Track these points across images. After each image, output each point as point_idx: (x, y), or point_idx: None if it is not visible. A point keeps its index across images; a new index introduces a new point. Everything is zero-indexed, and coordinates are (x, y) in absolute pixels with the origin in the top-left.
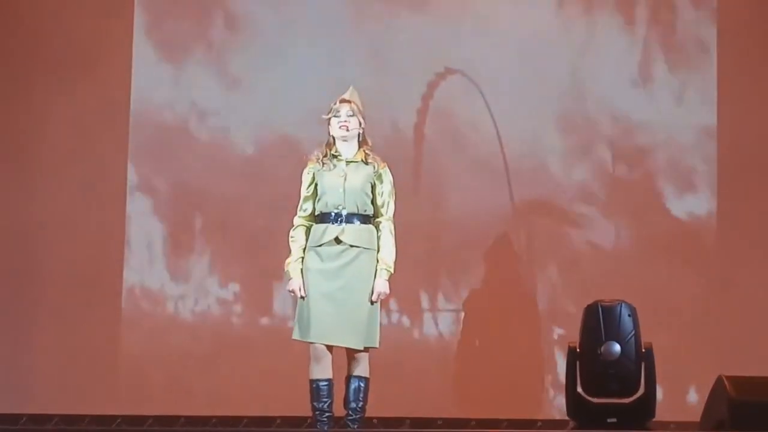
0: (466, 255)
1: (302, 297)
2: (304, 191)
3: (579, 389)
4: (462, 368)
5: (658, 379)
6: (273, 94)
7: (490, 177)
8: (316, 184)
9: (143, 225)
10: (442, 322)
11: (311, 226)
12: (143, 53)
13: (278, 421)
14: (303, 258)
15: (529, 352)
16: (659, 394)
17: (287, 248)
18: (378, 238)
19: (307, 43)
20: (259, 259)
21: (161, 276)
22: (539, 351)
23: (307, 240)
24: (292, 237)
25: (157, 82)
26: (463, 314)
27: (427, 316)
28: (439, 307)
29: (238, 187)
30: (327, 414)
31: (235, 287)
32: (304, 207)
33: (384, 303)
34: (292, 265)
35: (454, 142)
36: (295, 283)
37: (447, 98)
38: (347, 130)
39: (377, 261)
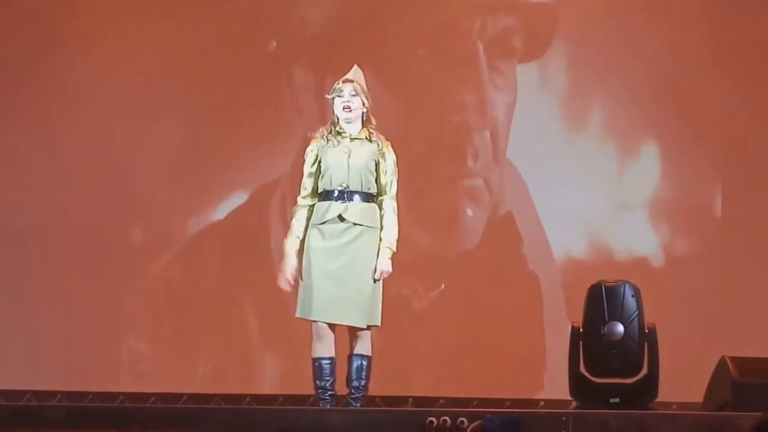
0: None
1: (293, 281)
2: (308, 169)
3: (582, 369)
4: (465, 347)
5: (660, 360)
6: None
7: None
8: (319, 163)
9: (148, 203)
10: (443, 301)
11: (313, 205)
12: None
13: (281, 399)
14: (302, 238)
15: (531, 331)
16: (662, 374)
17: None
18: (381, 216)
19: None
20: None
21: (166, 257)
22: (541, 330)
23: (308, 220)
24: (294, 216)
25: None
26: (465, 292)
27: (429, 294)
28: (440, 286)
29: None
30: (329, 392)
31: (237, 270)
32: (305, 186)
33: (388, 280)
34: (289, 243)
35: None
36: (287, 265)
37: None
38: (350, 111)
39: (380, 239)
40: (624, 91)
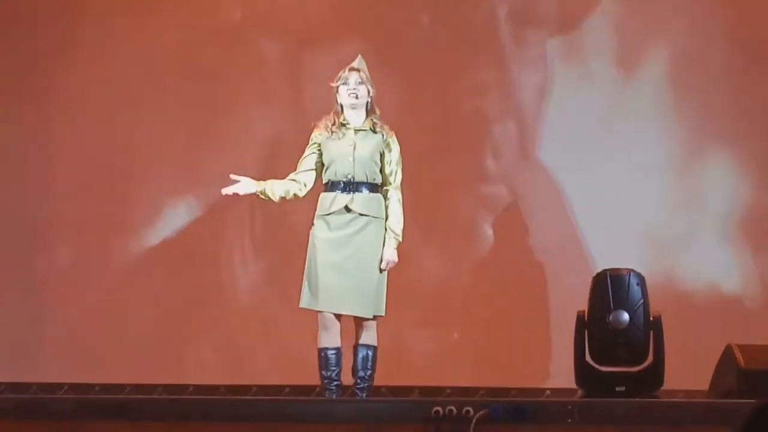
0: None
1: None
2: (305, 153)
3: (587, 358)
4: (470, 337)
5: (666, 348)
6: None
7: None
8: (319, 152)
9: (151, 197)
10: (449, 292)
11: (300, 182)
12: None
13: (287, 389)
14: (271, 183)
15: (536, 320)
16: (667, 362)
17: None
18: (386, 206)
19: None
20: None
21: (167, 251)
22: (546, 318)
23: (287, 187)
24: None
25: None
26: (469, 282)
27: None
28: (447, 275)
29: None
30: (335, 382)
31: (244, 259)
32: (299, 164)
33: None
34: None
35: None
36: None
37: None
38: (356, 98)
39: (386, 229)
40: (685, 69)
